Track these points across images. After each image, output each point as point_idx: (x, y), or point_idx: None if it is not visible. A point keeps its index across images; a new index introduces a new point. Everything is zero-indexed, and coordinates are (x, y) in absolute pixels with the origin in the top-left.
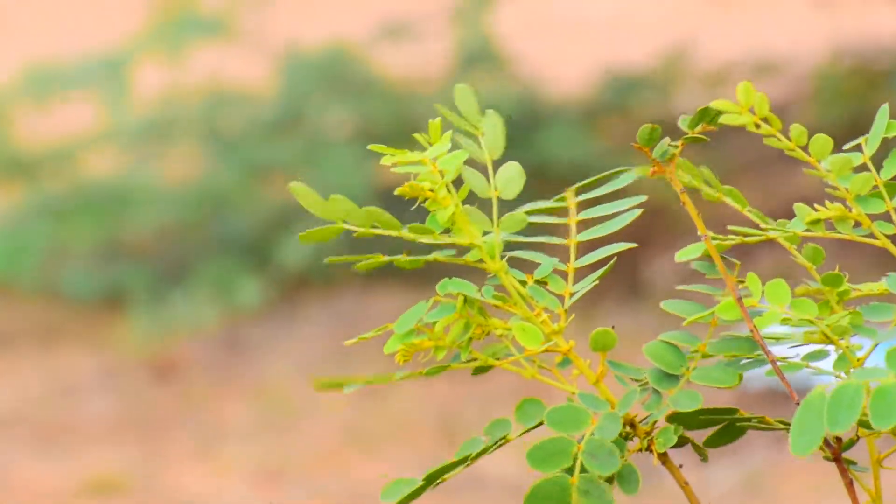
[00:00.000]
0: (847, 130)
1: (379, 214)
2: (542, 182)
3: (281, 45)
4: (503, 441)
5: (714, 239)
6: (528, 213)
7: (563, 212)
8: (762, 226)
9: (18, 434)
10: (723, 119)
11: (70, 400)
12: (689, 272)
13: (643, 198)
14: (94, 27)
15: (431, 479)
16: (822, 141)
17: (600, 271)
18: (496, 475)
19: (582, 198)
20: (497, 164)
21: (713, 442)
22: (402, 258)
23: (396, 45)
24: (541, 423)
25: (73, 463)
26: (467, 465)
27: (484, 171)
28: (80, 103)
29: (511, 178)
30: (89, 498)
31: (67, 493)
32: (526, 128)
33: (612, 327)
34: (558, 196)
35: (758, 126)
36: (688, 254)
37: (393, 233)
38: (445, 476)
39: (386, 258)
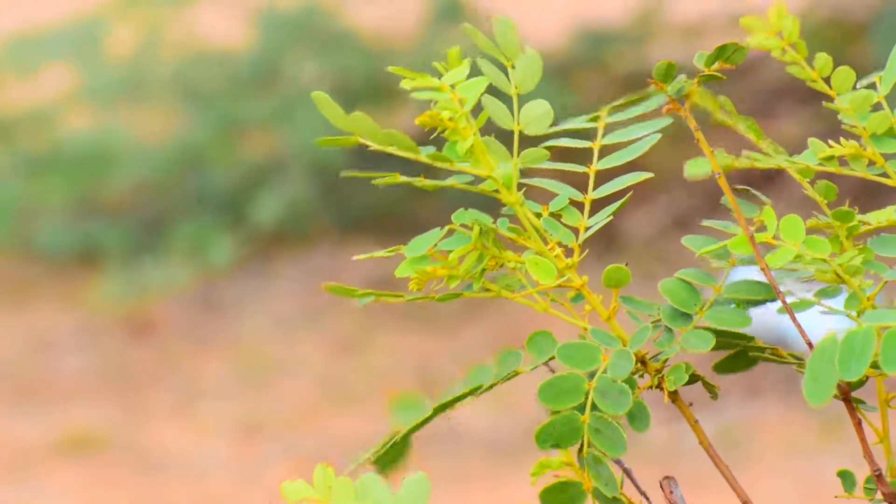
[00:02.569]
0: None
1: (398, 137)
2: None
3: (256, 1)
4: (513, 374)
5: (725, 158)
6: (558, 132)
7: (588, 134)
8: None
9: None
10: (750, 41)
11: (46, 356)
12: (665, 225)
13: (668, 120)
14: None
15: (440, 410)
16: (845, 74)
17: (616, 205)
18: (471, 428)
19: (612, 119)
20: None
21: (724, 367)
22: (419, 180)
23: (369, 0)
24: (552, 358)
25: (50, 419)
26: (478, 395)
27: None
28: (58, 67)
29: (539, 115)
30: (67, 454)
31: (45, 448)
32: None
33: (626, 264)
34: (591, 115)
35: (784, 52)
36: (695, 169)
37: (411, 155)
38: (455, 406)
39: (404, 178)
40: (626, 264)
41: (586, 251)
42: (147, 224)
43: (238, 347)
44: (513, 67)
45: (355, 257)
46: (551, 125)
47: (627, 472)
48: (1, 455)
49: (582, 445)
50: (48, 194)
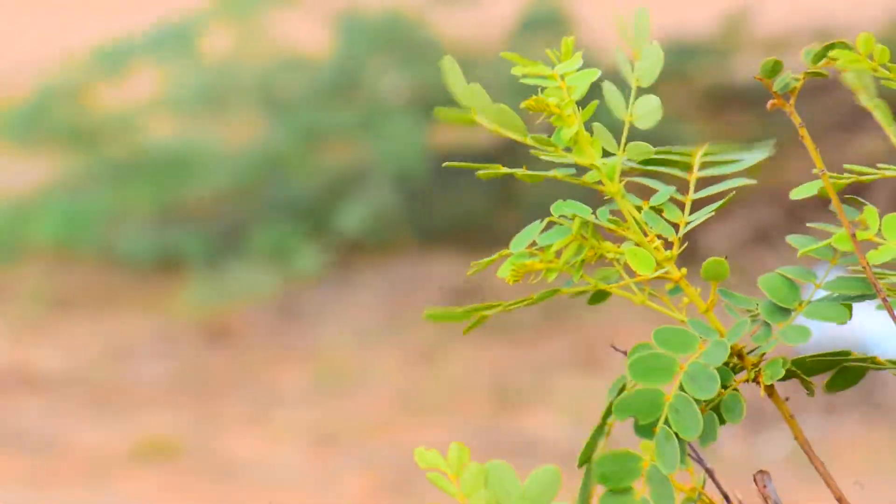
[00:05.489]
0: None
1: (509, 115)
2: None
3: (340, 10)
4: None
5: (830, 177)
6: (654, 160)
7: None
8: (878, 165)
9: (75, 396)
10: (840, 64)
11: (126, 363)
12: (744, 239)
13: (766, 153)
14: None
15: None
16: None
17: (718, 203)
18: (547, 440)
19: (705, 159)
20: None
21: (836, 384)
22: (521, 171)
23: (455, 9)
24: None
25: (127, 425)
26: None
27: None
28: (145, 73)
29: (651, 109)
30: (143, 460)
31: (122, 455)
32: (587, 94)
33: (726, 257)
34: (685, 150)
35: (875, 70)
36: (803, 191)
37: (518, 136)
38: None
39: (506, 169)
40: (727, 258)
41: (686, 244)
42: (228, 231)
43: (315, 357)
44: (639, 59)
45: (469, 273)
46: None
47: (710, 472)
48: (77, 460)
49: (658, 422)
50: (132, 201)
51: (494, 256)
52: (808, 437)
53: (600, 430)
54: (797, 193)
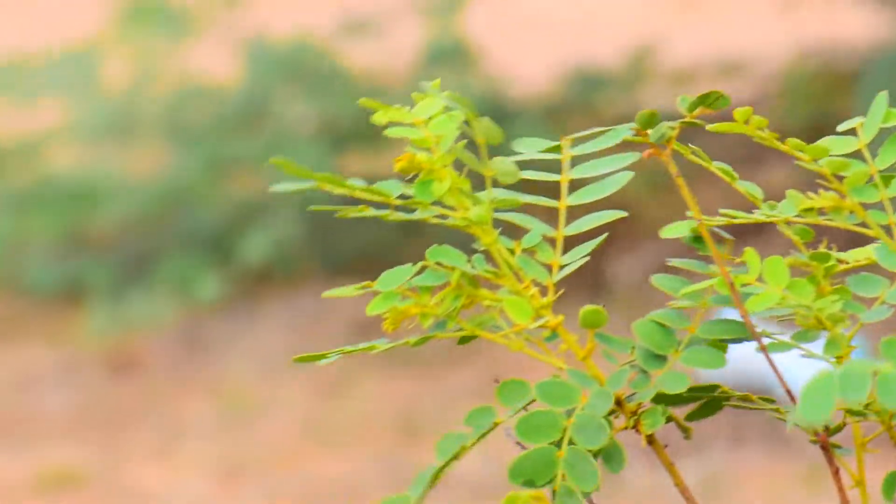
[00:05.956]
0: (812, 131)
1: (365, 186)
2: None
3: (247, 38)
4: (493, 427)
5: (702, 219)
6: (524, 161)
7: (555, 167)
8: (753, 210)
9: None
10: (717, 128)
11: (29, 393)
12: (652, 270)
13: (637, 155)
14: (62, 19)
15: (428, 488)
16: (819, 150)
17: (590, 244)
18: (460, 474)
19: (575, 151)
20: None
21: (695, 416)
22: (388, 213)
23: (362, 39)
24: (532, 402)
25: (32, 456)
26: (461, 458)
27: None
28: (48, 99)
29: (508, 170)
30: (47, 492)
31: (25, 486)
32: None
33: (603, 305)
34: (552, 145)
35: (752, 134)
36: (674, 231)
37: (382, 199)
38: (440, 478)
39: (374, 211)
40: (604, 306)
41: (562, 290)
42: (133, 261)
43: (221, 387)
44: (476, 126)
45: (324, 294)
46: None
47: None
48: None
49: (554, 480)
50: (35, 230)
51: (357, 287)
52: (713, 468)
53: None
54: (667, 232)
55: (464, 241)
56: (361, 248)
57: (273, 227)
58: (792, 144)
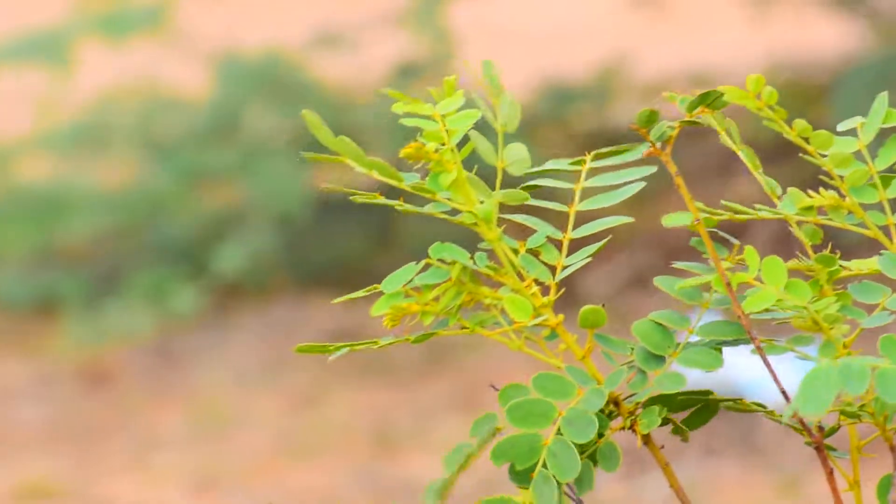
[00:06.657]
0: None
1: (381, 164)
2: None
3: (218, 49)
4: (495, 432)
5: (704, 212)
6: (543, 171)
7: (570, 177)
8: (754, 206)
9: None
10: (728, 98)
11: (2, 407)
12: (623, 283)
13: (652, 168)
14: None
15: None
16: (825, 137)
17: (594, 247)
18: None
19: (597, 164)
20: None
21: (691, 423)
22: (399, 203)
23: (335, 51)
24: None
25: (5, 469)
26: (467, 467)
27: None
28: (15, 111)
29: (521, 158)
30: None
31: (0, 499)
32: (462, 138)
33: (603, 305)
34: (575, 159)
35: (760, 110)
36: (674, 220)
37: (394, 182)
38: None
39: (384, 200)
40: (603, 305)
41: (563, 290)
42: (106, 273)
43: (195, 399)
44: (499, 107)
45: (335, 300)
46: (533, 166)
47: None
48: None
49: (535, 466)
50: (6, 243)
51: (365, 290)
52: (688, 478)
53: (462, 467)
54: (669, 220)
55: (463, 244)
56: (335, 260)
57: (247, 239)
58: (799, 130)
